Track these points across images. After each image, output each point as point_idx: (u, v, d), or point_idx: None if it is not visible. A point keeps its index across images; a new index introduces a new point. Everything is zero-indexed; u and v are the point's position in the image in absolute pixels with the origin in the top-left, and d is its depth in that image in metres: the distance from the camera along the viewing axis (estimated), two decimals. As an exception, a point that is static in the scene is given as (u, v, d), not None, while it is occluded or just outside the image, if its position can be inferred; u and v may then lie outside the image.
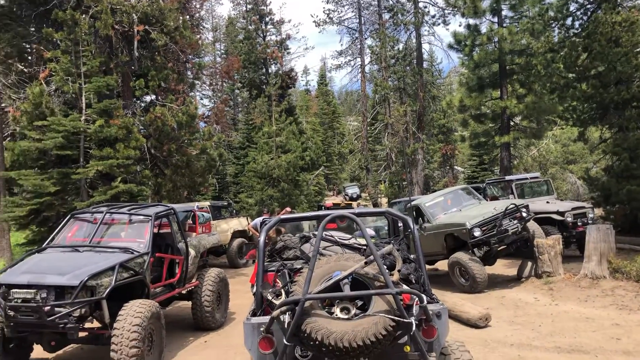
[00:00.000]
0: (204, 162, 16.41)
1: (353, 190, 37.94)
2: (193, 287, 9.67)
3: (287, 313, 4.23)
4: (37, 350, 7.97)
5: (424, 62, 32.11)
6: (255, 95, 32.24)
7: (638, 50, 15.69)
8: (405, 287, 4.34)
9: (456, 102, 23.98)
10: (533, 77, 19.73)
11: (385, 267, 4.41)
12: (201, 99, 34.08)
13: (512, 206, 12.18)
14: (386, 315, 4.07)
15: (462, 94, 23.27)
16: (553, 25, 17.98)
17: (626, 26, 15.45)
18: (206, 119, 19.76)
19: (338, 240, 5.13)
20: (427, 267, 14.64)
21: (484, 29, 21.33)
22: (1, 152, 14.51)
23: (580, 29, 17.43)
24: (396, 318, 4.07)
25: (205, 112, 23.17)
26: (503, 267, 14.68)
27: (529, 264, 12.51)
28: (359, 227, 4.41)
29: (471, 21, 21.77)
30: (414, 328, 4.08)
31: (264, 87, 30.79)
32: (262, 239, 4.77)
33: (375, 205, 34.17)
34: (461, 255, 11.92)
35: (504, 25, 20.87)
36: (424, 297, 4.23)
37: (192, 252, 9.57)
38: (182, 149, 15.68)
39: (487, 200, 14.60)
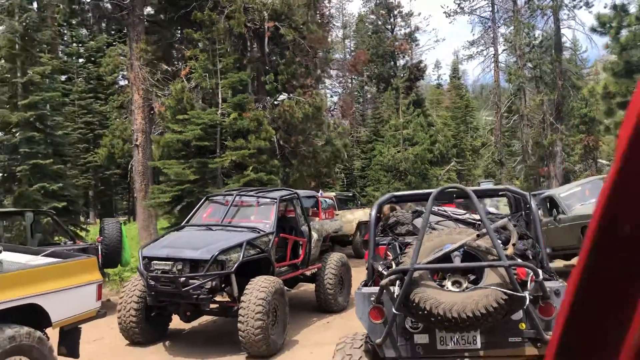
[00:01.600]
0: (329, 153, 16.82)
1: (487, 186, 36.47)
2: (316, 270, 9.98)
3: (397, 284, 4.25)
4: (175, 321, 8.72)
5: (564, 48, 30.07)
6: (383, 89, 32.27)
7: None
8: (519, 260, 4.17)
9: (600, 89, 22.22)
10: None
11: (499, 241, 4.27)
12: (330, 96, 34.84)
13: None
14: (498, 288, 3.95)
15: (607, 80, 21.47)
16: None
17: None
18: (333, 111, 20.19)
19: (451, 214, 5.03)
20: (563, 262, 13.76)
21: (632, 9, 19.54)
22: (149, 144, 16.00)
23: None
24: (509, 291, 3.93)
25: (331, 105, 23.66)
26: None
27: None
28: (472, 201, 4.31)
29: (617, 1, 20.06)
30: (527, 302, 3.91)
31: (392, 80, 30.73)
32: (373, 212, 4.83)
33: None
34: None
35: (656, 1, 18.93)
36: (540, 272, 4.04)
37: (314, 235, 9.88)
38: (309, 140, 16.19)
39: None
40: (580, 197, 12.70)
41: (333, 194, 17.79)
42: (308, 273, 10.02)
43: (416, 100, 30.16)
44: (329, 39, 21.86)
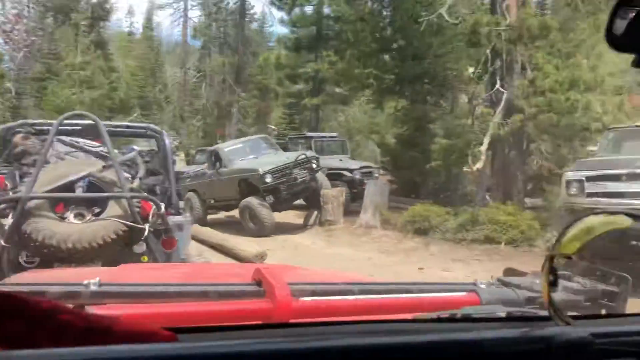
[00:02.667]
0: None
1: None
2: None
3: (11, 215, 3.93)
4: None
5: (253, 19, 31.87)
6: (62, 22, 29.28)
7: (434, 29, 17.23)
8: (143, 194, 4.29)
9: (274, 59, 24.30)
10: (345, 44, 20.66)
11: (126, 174, 4.30)
12: None
13: (303, 157, 12.76)
14: (118, 220, 3.98)
15: (280, 53, 23.61)
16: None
17: (426, 5, 16.88)
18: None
19: (84, 146, 4.88)
20: (225, 212, 14.79)
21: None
22: None
23: (388, 2, 18.60)
24: (129, 223, 4.00)
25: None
26: (294, 216, 15.40)
27: (315, 213, 13.28)
28: (100, 132, 4.23)
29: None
30: (146, 233, 4.05)
31: (73, 15, 28.08)
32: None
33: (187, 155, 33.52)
34: (252, 200, 12.23)
35: (324, -11, 21.44)
36: (162, 205, 4.22)
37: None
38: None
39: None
40: (242, 153, 13.82)
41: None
42: None
43: (99, 41, 28.23)
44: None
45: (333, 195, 12.75)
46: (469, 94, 14.53)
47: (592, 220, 0.69)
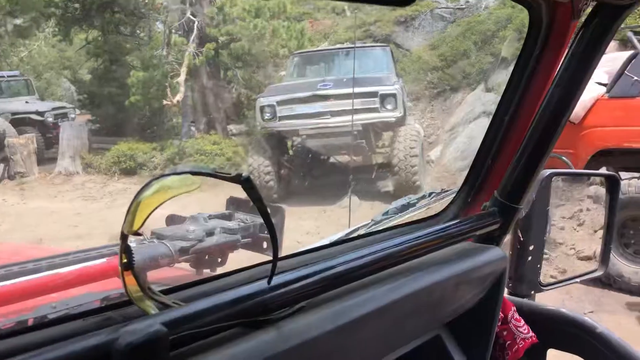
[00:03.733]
0: None
1: None
2: None
3: None
4: None
5: None
6: None
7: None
8: None
9: None
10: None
11: None
12: None
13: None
14: None
15: None
16: None
17: None
18: None
19: None
20: None
21: None
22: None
23: None
24: None
25: None
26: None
27: (1, 165, 11.58)
28: None
29: None
30: None
31: None
32: None
33: None
34: None
35: None
36: None
37: None
38: None
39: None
40: None
41: None
42: None
43: None
44: None
45: (21, 143, 11.23)
46: (163, 23, 14.02)
47: (151, 191, 0.58)
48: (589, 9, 1.05)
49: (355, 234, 1.36)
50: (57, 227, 8.07)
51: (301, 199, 9.40)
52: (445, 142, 11.63)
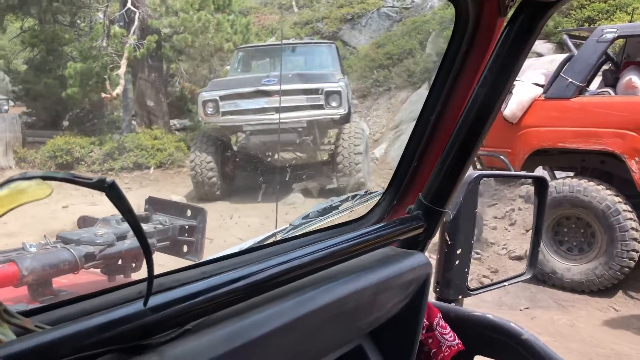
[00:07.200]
0: None
1: None
2: None
3: None
4: None
5: None
6: None
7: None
8: None
9: None
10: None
11: None
12: None
13: None
14: None
15: None
16: None
17: None
18: None
19: None
20: None
21: None
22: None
23: None
24: None
25: None
26: None
27: None
28: None
29: None
30: None
31: None
32: None
33: None
34: None
35: None
36: None
37: None
38: None
39: None
40: None
41: None
42: None
43: None
44: None
45: (-54, 136, 10.61)
46: (103, 13, 13.52)
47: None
48: (516, 6, 1.01)
49: (269, 240, 1.29)
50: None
51: (245, 195, 9.26)
52: (389, 140, 11.73)
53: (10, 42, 24.92)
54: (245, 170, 9.77)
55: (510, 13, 1.04)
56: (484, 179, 1.39)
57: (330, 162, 9.40)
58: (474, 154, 1.10)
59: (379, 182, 9.78)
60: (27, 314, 0.61)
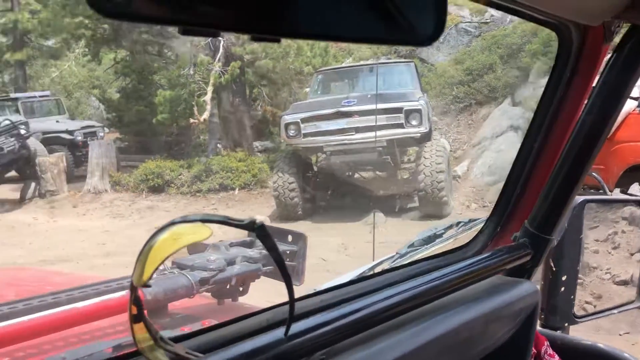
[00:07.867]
0: None
1: None
2: None
3: None
4: None
5: None
6: None
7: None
8: None
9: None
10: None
11: None
12: None
13: (6, 122, 11.13)
14: None
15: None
16: None
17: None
18: None
19: None
20: None
21: None
22: None
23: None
24: None
25: None
26: (10, 190, 13.53)
27: (32, 184, 11.82)
28: None
29: None
30: None
31: None
32: None
33: None
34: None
35: None
36: None
37: None
38: None
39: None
40: None
41: None
42: None
43: None
44: None
45: (51, 162, 11.46)
46: (190, 42, 14.22)
47: (160, 240, 0.55)
48: (623, 32, 1.00)
49: (379, 268, 1.32)
50: (86, 245, 8.18)
51: (326, 215, 9.36)
52: (471, 157, 11.49)
53: (105, 72, 26.64)
54: (326, 190, 9.89)
55: (616, 38, 1.04)
56: (588, 204, 1.36)
57: (412, 180, 9.34)
58: (582, 180, 1.09)
59: (462, 201, 9.58)
60: (175, 340, 0.68)
